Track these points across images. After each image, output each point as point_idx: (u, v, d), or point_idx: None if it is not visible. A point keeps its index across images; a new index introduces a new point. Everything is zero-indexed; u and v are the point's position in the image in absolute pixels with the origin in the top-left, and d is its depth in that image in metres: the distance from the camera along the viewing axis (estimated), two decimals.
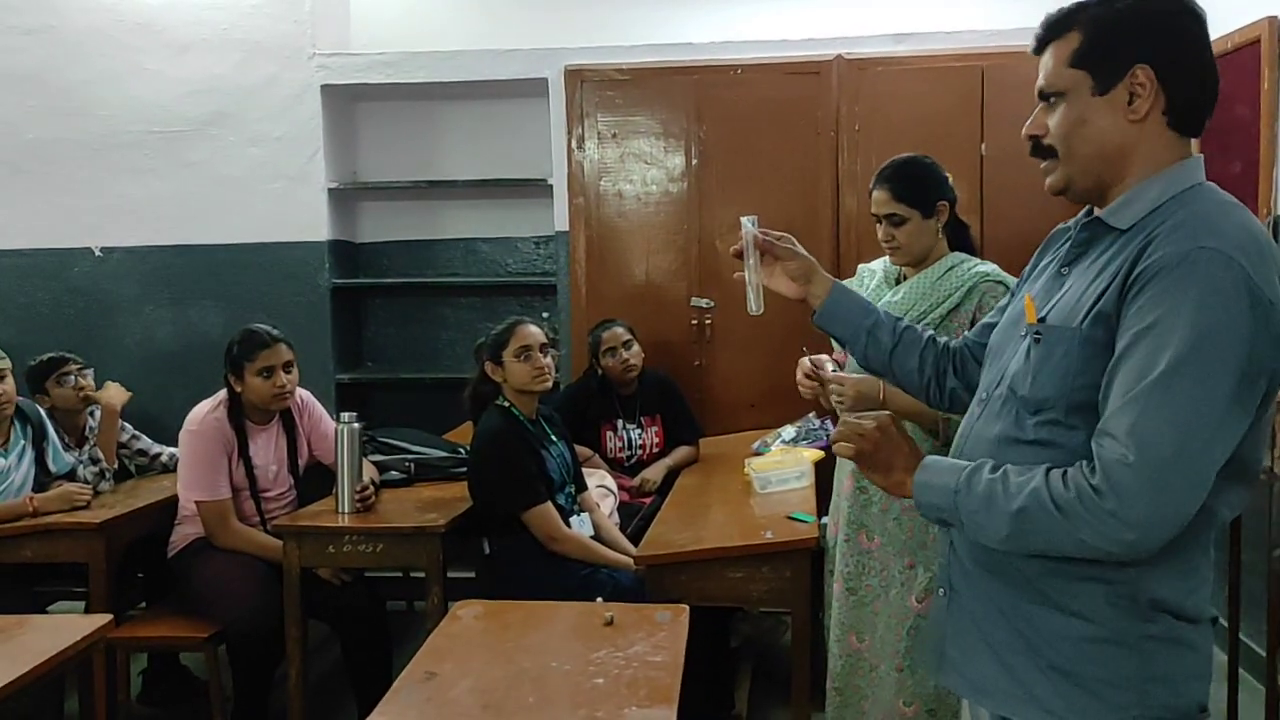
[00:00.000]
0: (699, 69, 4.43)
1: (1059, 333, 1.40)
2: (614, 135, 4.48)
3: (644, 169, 4.48)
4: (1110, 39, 1.39)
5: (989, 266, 2.55)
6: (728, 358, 4.46)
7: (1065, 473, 1.30)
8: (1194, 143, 1.53)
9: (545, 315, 4.82)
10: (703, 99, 4.42)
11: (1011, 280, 2.45)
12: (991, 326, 1.70)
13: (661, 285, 4.49)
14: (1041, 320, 1.44)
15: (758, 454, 3.82)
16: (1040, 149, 1.47)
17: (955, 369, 1.78)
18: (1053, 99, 1.44)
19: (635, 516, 3.64)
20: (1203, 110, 1.42)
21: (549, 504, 3.11)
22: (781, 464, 3.46)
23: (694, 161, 4.43)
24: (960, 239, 2.64)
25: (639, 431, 4.09)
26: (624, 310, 4.32)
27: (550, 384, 3.26)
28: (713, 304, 4.40)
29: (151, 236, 4.79)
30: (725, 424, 4.39)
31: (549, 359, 3.24)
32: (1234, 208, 1.36)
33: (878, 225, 2.60)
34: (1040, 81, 1.46)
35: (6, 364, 3.49)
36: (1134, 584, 1.35)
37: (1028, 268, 1.68)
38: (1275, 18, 3.39)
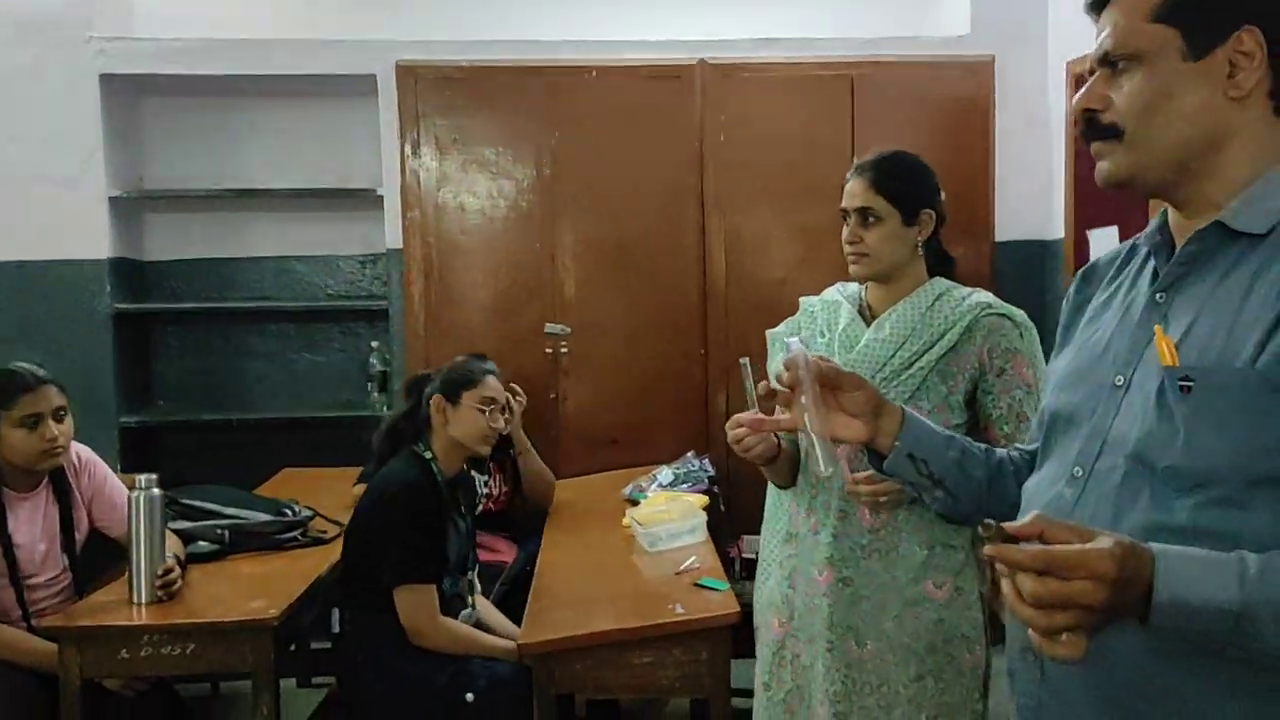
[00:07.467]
0: (549, 69, 4.00)
1: (1221, 376, 1.03)
2: (455, 141, 3.98)
3: (490, 180, 4.00)
4: None
5: (986, 295, 2.07)
6: (586, 390, 4.02)
7: None
8: None
9: (374, 345, 4.27)
10: (555, 103, 3.98)
11: (1016, 312, 2.03)
12: None
13: (511, 310, 4.01)
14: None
15: (633, 502, 3.39)
16: (1096, 128, 1.15)
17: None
18: (1121, 64, 1.13)
19: (496, 580, 3.19)
20: None
21: (431, 589, 2.63)
22: (668, 514, 3.06)
23: (546, 172, 3.98)
24: (943, 272, 2.13)
25: (485, 479, 3.59)
26: (468, 339, 3.83)
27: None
28: (568, 330, 3.93)
29: None
30: (585, 463, 3.96)
31: (501, 424, 2.88)
32: None
33: (844, 223, 2.07)
34: (1106, 42, 1.14)
35: None
36: None
37: (1064, 315, 1.32)
38: None
